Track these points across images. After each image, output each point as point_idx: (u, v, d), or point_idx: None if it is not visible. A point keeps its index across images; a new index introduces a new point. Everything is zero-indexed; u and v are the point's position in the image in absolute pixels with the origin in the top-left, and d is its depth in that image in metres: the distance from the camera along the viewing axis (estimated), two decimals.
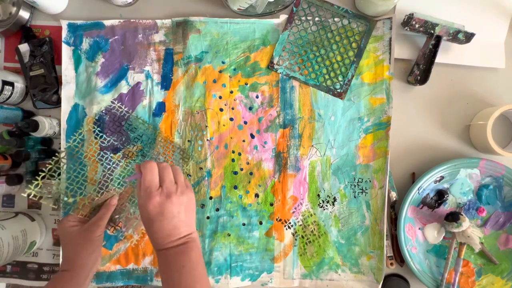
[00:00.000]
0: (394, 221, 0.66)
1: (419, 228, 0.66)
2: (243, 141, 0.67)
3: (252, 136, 0.67)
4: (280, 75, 0.67)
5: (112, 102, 0.66)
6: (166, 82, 0.67)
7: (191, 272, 0.49)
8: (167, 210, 0.49)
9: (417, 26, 0.63)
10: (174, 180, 0.51)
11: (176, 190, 0.50)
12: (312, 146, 0.66)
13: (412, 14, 0.63)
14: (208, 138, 0.66)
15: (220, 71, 0.67)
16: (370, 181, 0.66)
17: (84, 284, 0.54)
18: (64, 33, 0.67)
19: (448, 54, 0.67)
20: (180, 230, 0.50)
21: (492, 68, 0.67)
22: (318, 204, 0.66)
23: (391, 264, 0.66)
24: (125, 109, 0.66)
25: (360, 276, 0.66)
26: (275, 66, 0.67)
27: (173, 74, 0.67)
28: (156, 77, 0.67)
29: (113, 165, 0.65)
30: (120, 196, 0.64)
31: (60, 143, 0.66)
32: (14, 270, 0.68)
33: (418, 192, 0.65)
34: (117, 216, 0.64)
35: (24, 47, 0.66)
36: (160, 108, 0.67)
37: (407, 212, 0.64)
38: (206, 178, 0.66)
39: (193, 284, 0.48)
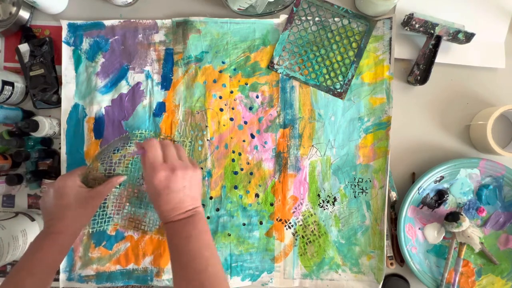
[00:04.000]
0: (394, 221, 0.66)
1: (419, 228, 0.66)
2: (243, 141, 0.67)
3: (252, 136, 0.67)
4: (280, 75, 0.67)
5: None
6: (166, 82, 0.67)
7: (199, 240, 0.50)
8: (173, 184, 0.50)
9: (417, 26, 0.63)
10: (177, 157, 0.53)
11: (180, 165, 0.51)
12: (312, 146, 0.66)
13: (412, 14, 0.63)
14: (208, 138, 0.66)
15: (220, 71, 0.67)
16: (370, 181, 0.66)
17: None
18: (64, 33, 0.67)
19: (448, 54, 0.67)
20: (186, 204, 0.51)
21: (492, 68, 0.67)
22: (318, 204, 0.66)
23: (391, 264, 0.66)
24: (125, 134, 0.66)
25: (361, 276, 0.66)
26: (275, 66, 0.67)
27: (173, 74, 0.67)
28: (156, 77, 0.67)
29: (115, 165, 0.65)
30: (120, 196, 0.64)
31: (60, 143, 0.66)
32: None
33: (418, 192, 0.65)
34: (116, 213, 0.64)
35: (24, 47, 0.66)
36: (160, 108, 0.67)
37: (407, 212, 0.64)
38: (206, 178, 0.66)
39: (201, 250, 0.49)
